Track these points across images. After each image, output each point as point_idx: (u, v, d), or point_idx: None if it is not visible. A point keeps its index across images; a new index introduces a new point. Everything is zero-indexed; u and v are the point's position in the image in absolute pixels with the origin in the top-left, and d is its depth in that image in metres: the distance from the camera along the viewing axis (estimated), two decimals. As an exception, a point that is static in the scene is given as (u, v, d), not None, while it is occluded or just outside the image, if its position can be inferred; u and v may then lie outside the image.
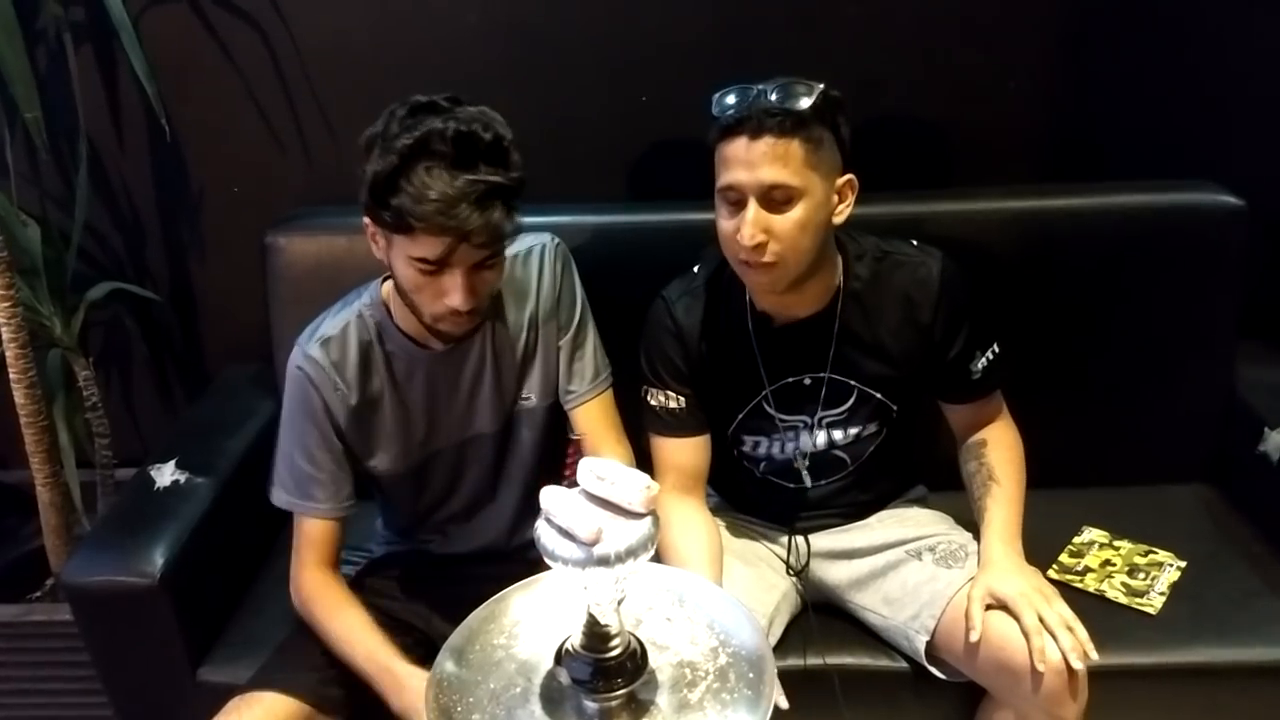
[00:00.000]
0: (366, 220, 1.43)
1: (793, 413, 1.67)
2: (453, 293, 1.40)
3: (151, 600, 1.68)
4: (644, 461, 1.66)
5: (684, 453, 1.66)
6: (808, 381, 1.64)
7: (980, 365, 1.64)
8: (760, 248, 1.43)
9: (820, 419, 1.67)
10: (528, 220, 1.67)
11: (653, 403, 1.66)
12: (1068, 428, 2.03)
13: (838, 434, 1.68)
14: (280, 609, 1.72)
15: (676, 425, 1.65)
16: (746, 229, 1.42)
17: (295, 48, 2.06)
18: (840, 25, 2.01)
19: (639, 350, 1.68)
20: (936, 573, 1.59)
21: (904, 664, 1.64)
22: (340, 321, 1.58)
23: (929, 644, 1.56)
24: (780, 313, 1.61)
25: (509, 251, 1.61)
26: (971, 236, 1.89)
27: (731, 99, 1.44)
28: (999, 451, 1.66)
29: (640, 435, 1.69)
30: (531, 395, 1.64)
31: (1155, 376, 1.99)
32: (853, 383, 1.63)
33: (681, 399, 1.64)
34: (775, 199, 1.42)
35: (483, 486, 1.67)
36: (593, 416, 1.64)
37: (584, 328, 1.65)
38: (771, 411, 1.66)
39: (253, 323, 2.04)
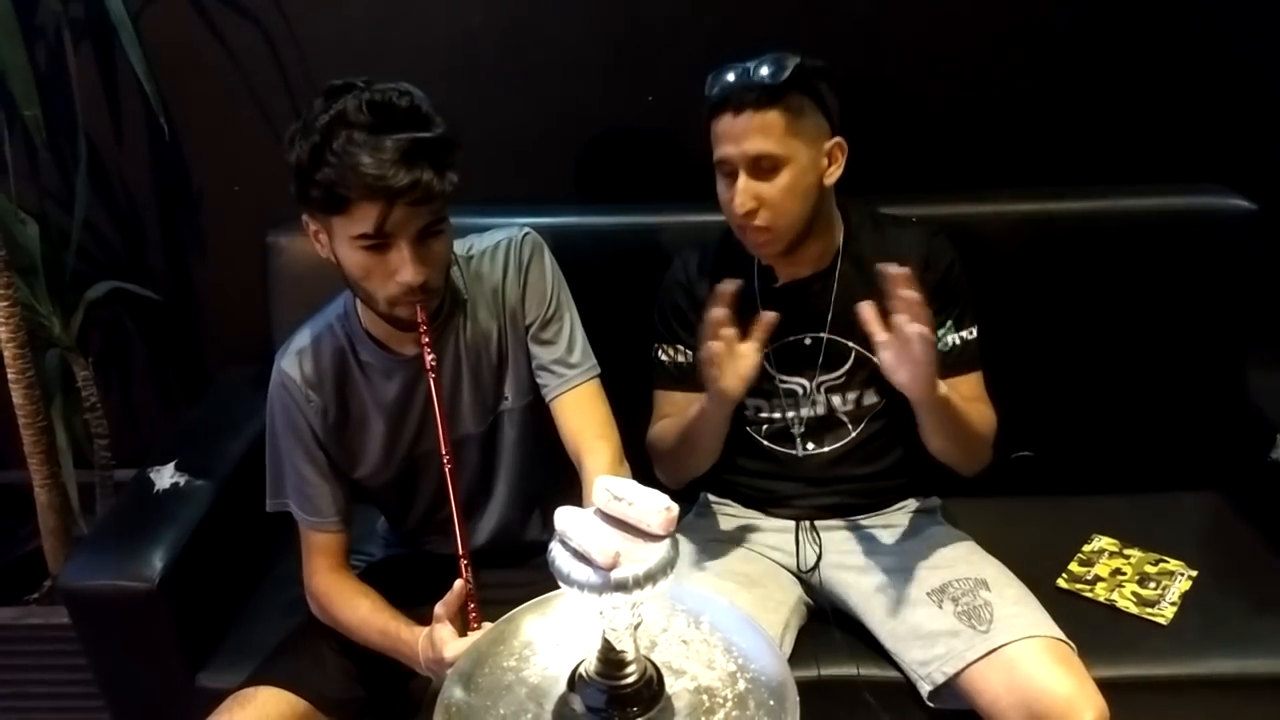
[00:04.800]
0: (305, 219, 1.42)
1: (792, 374, 1.70)
2: (402, 267, 1.37)
3: (150, 604, 1.66)
4: (637, 461, 1.62)
5: (686, 405, 1.66)
6: (808, 341, 1.68)
7: (949, 340, 1.62)
8: (752, 214, 1.54)
9: (819, 384, 1.69)
10: (534, 221, 1.68)
11: (663, 358, 1.73)
12: (1077, 434, 2.02)
13: (837, 400, 1.70)
14: (281, 614, 1.71)
15: (681, 378, 1.71)
16: (738, 198, 1.53)
17: (297, 46, 2.04)
18: (848, 26, 2.00)
19: (653, 313, 1.75)
20: (958, 628, 1.53)
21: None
22: (312, 334, 1.58)
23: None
24: (783, 271, 1.68)
25: (478, 248, 1.61)
26: (980, 239, 1.86)
27: (723, 76, 1.53)
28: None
29: (635, 431, 1.66)
30: (509, 395, 1.61)
31: (1165, 382, 1.98)
32: (850, 344, 1.66)
33: (689, 352, 1.69)
34: (763, 167, 1.52)
35: (476, 486, 1.65)
36: (570, 411, 1.58)
37: (556, 319, 1.60)
38: (772, 371, 1.70)
39: (254, 323, 2.02)
